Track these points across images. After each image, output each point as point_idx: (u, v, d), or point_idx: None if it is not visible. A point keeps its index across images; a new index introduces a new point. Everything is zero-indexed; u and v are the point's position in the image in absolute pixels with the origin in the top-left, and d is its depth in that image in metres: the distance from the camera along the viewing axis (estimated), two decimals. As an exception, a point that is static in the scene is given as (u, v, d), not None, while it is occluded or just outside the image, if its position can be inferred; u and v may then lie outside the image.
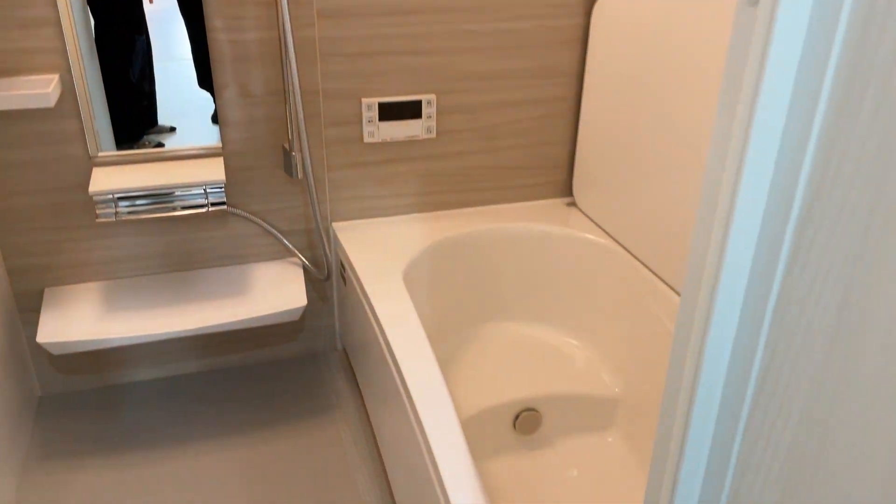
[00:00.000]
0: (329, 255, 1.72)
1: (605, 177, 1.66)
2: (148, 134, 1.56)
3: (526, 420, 1.58)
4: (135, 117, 1.53)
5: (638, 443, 1.54)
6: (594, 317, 1.72)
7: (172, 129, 1.57)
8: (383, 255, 1.62)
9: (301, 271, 1.71)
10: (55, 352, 1.44)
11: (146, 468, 1.55)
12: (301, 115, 1.48)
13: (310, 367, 1.88)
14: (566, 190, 1.88)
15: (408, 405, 1.23)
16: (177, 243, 1.67)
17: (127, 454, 1.59)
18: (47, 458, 1.57)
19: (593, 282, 1.71)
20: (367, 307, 1.50)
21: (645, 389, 1.53)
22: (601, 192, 1.69)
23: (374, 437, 1.65)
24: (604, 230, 1.70)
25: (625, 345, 1.62)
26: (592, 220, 1.75)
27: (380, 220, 1.78)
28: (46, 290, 1.60)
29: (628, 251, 1.60)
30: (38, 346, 1.70)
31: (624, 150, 1.56)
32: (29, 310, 1.64)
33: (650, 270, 1.52)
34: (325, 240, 1.67)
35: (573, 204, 1.85)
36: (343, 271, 1.71)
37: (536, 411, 1.59)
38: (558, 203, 1.86)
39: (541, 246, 1.76)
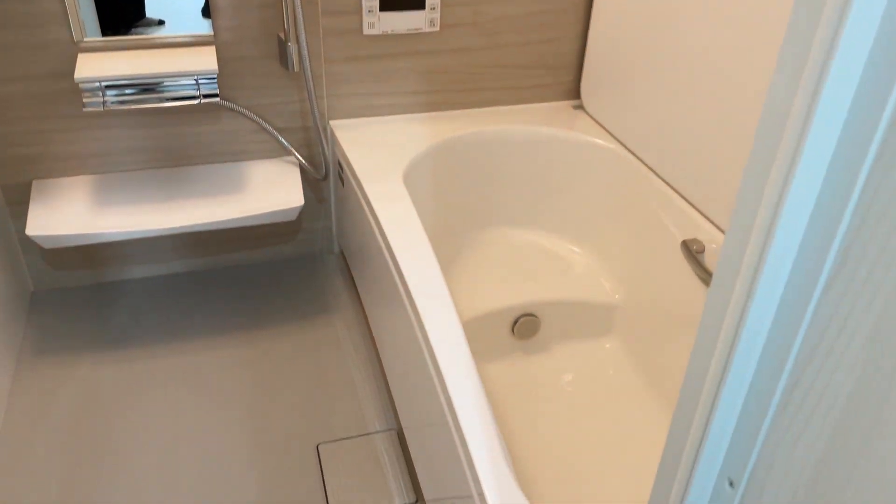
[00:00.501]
0: (327, 154, 1.66)
1: (616, 79, 1.59)
2: (136, 27, 1.46)
3: (524, 325, 1.57)
4: (120, 8, 1.44)
5: (635, 349, 1.54)
6: (597, 223, 1.69)
7: (161, 23, 1.48)
8: (383, 155, 1.57)
9: (298, 170, 1.66)
10: (45, 245, 1.40)
11: (141, 364, 1.55)
12: (297, 2, 1.39)
13: (306, 270, 1.85)
14: (573, 92, 1.81)
15: (409, 307, 1.21)
16: (169, 137, 1.60)
17: (122, 351, 1.58)
18: (41, 353, 1.56)
19: (598, 187, 1.67)
20: (366, 208, 1.46)
21: (645, 297, 1.52)
22: (611, 94, 1.62)
23: (372, 340, 1.65)
24: (612, 135, 1.64)
25: (627, 252, 1.60)
26: (600, 124, 1.69)
27: (379, 118, 1.71)
28: (34, 182, 1.55)
29: (637, 157, 1.55)
30: (29, 240, 1.66)
31: (638, 51, 1.49)
32: (17, 202, 1.59)
33: (659, 177, 1.48)
34: (322, 138, 1.61)
35: (580, 107, 1.79)
36: (341, 171, 1.66)
37: (535, 317, 1.58)
38: (565, 106, 1.80)
39: (545, 150, 1.70)
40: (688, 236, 1.35)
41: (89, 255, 1.72)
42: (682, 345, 1.40)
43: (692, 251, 1.29)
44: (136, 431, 1.40)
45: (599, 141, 1.64)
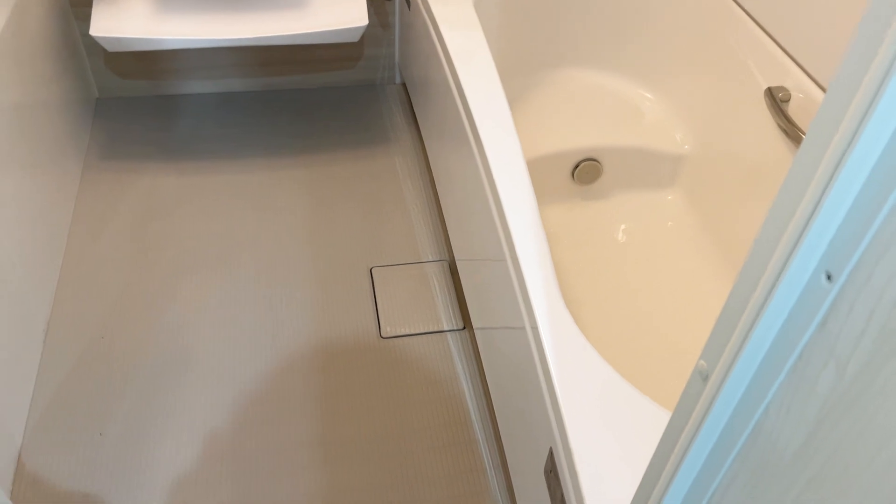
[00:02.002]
0: (395, -28, 1.57)
1: None
2: None
3: (585, 170, 1.53)
4: None
5: (699, 202, 1.50)
6: (674, 68, 1.59)
7: None
8: (454, -24, 1.47)
9: (363, -11, 1.57)
10: (109, 48, 1.39)
11: (200, 177, 1.58)
12: None
13: (367, 98, 1.82)
14: (666, -79, 1.65)
15: (472, 140, 1.18)
16: (231, -57, 1.52)
17: (182, 162, 1.60)
18: (106, 158, 1.60)
19: (680, 28, 1.55)
20: (433, 35, 1.39)
21: (717, 148, 1.45)
22: (709, -77, 1.47)
23: (429, 172, 1.63)
24: (704, -30, 1.51)
25: (704, 99, 1.51)
26: (692, -41, 1.55)
27: (453, -63, 1.59)
28: (96, -18, 1.51)
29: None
30: (93, 45, 1.64)
31: None
32: (81, 3, 1.56)
33: (750, 17, 1.36)
34: (391, -46, 1.51)
35: (672, -62, 1.63)
36: (408, -6, 1.57)
37: (597, 162, 1.53)
38: (655, -64, 1.64)
39: (628, -16, 1.58)
40: (774, 83, 1.26)
41: (152, 66, 1.70)
42: (751, 199, 1.35)
43: (777, 99, 1.21)
44: (195, 239, 1.45)
45: (689, -24, 1.50)
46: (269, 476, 1.12)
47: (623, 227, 1.51)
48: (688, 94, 1.57)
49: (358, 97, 1.81)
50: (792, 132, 1.18)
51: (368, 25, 1.70)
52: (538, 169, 1.51)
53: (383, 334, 1.32)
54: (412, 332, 1.32)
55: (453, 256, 1.45)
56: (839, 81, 0.32)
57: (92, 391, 1.20)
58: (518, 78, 1.68)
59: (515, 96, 1.64)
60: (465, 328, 1.34)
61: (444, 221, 1.50)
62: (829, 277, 0.33)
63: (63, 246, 1.41)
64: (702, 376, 0.43)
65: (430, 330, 1.33)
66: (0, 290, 1.10)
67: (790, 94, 1.21)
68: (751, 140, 1.34)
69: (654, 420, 0.81)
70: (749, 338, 0.40)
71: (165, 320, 1.31)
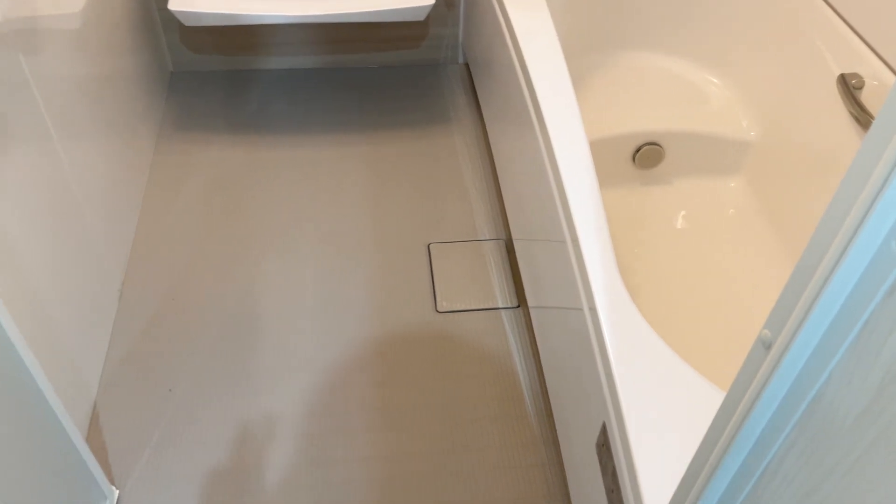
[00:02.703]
0: (462, -48, 1.58)
1: None
2: None
3: (647, 154, 1.52)
4: None
5: (763, 190, 1.47)
6: (743, 53, 1.57)
7: None
8: (522, -44, 1.47)
9: (431, -32, 1.59)
10: (186, 22, 1.44)
11: (267, 151, 1.62)
12: None
13: (429, 77, 1.84)
14: None
15: (535, 121, 1.19)
16: (304, -79, 1.56)
17: (251, 136, 1.65)
18: (179, 129, 1.66)
19: (750, 12, 1.52)
20: (499, 15, 1.40)
21: (785, 135, 1.43)
22: None
23: (489, 153, 1.65)
24: (778, -47, 1.47)
25: (773, 85, 1.48)
26: (767, -60, 1.51)
27: (522, -83, 1.59)
28: (175, -42, 1.56)
29: (803, -21, 1.39)
30: (169, 20, 1.70)
31: None
32: (158, -20, 1.62)
33: (827, 4, 1.33)
34: (460, -67, 1.52)
35: (746, -81, 1.59)
36: (475, -27, 1.58)
37: (659, 146, 1.52)
38: (729, -83, 1.61)
39: (699, -34, 1.55)
40: (847, 70, 1.23)
41: (224, 41, 1.76)
42: (818, 189, 1.33)
43: (850, 86, 1.19)
44: (262, 210, 1.50)
45: (763, -41, 1.47)
46: (328, 438, 1.16)
47: (683, 212, 1.50)
48: (756, 80, 1.54)
49: (421, 76, 1.84)
50: (864, 120, 1.15)
51: (434, 5, 1.72)
52: (598, 151, 1.51)
53: (439, 309, 1.34)
54: (467, 307, 1.35)
55: (510, 235, 1.46)
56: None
57: (162, 349, 1.26)
58: (582, 58, 1.68)
59: (579, 77, 1.64)
60: (519, 306, 1.36)
61: (503, 201, 1.51)
62: (900, 244, 0.33)
63: (137, 211, 1.47)
64: (764, 345, 0.44)
65: (486, 307, 1.35)
66: (79, 249, 1.16)
67: (864, 82, 1.18)
68: (821, 128, 1.31)
69: (708, 398, 0.81)
70: (815, 306, 0.40)
71: (232, 286, 1.36)
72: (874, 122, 0.35)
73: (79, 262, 1.15)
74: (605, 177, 1.54)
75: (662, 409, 0.80)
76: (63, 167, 1.11)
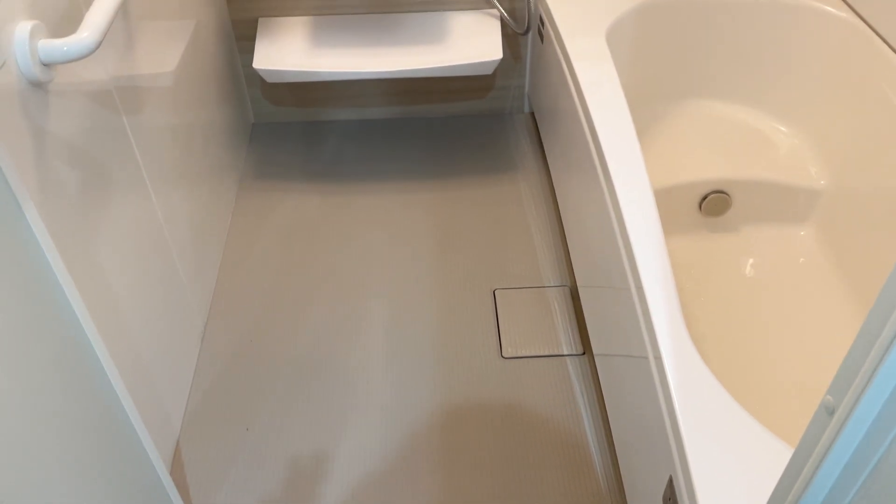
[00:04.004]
0: (531, 6, 1.64)
1: (865, -64, 1.40)
2: None
3: (713, 202, 1.52)
4: None
5: (834, 240, 1.45)
6: (811, 102, 1.56)
7: None
8: (587, 11, 1.52)
9: (498, 24, 1.65)
10: (268, 79, 1.54)
11: (341, 197, 1.70)
12: None
13: (496, 127, 1.89)
14: (808, -48, 1.62)
15: (600, 170, 1.22)
16: (379, -18, 1.65)
17: (325, 183, 1.73)
18: (259, 177, 1.75)
19: (819, 61, 1.52)
20: (564, 67, 1.45)
21: (856, 184, 1.41)
22: (855, -45, 1.44)
23: (554, 200, 1.68)
24: (845, 2, 1.47)
25: (842, 134, 1.47)
26: (835, -10, 1.52)
27: (587, -27, 1.64)
28: (260, 20, 1.67)
29: (873, 29, 1.39)
30: (251, 75, 1.82)
31: None
32: (243, 38, 1.73)
33: (894, 50, 1.32)
34: (527, -10, 1.58)
35: (814, -30, 1.60)
36: (541, 27, 1.64)
37: (726, 194, 1.52)
38: (795, -32, 1.62)
39: (764, 15, 1.57)
40: (921, 121, 1.22)
41: (302, 94, 1.86)
42: (890, 239, 1.30)
43: (924, 138, 1.17)
44: (335, 255, 1.57)
45: (829, 8, 1.48)
46: (393, 479, 1.19)
47: (751, 261, 1.49)
48: (824, 127, 1.54)
49: (487, 126, 1.89)
50: (939, 171, 1.14)
51: (501, 57, 1.78)
52: (665, 199, 1.52)
53: (505, 354, 1.37)
54: (533, 354, 1.37)
55: (575, 282, 1.48)
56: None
57: (240, 389, 1.33)
58: (648, 108, 1.70)
59: (645, 126, 1.66)
60: (584, 353, 1.37)
61: (567, 248, 1.54)
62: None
63: (220, 255, 1.56)
64: (828, 411, 0.46)
65: (551, 353, 1.36)
66: (168, 292, 1.24)
67: (938, 132, 1.17)
68: (891, 178, 1.29)
69: (775, 454, 0.81)
70: (877, 374, 0.42)
71: (307, 329, 1.42)
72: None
73: (167, 304, 1.23)
74: (672, 224, 1.55)
75: (729, 465, 0.80)
76: (156, 214, 1.19)
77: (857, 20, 1.43)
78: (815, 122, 1.57)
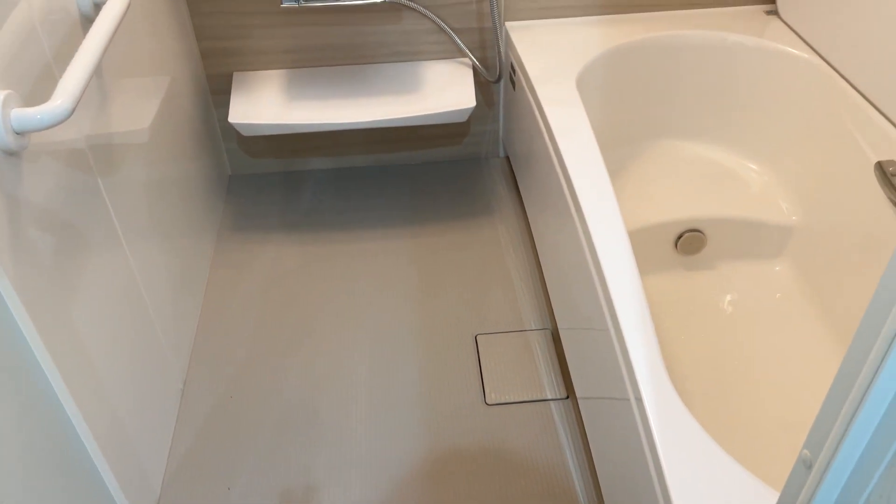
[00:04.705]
0: (502, 56, 1.67)
1: (821, -19, 1.45)
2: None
3: (689, 240, 1.54)
4: None
5: (808, 275, 1.47)
6: (780, 140, 1.60)
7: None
8: (557, 58, 1.55)
9: (471, 72, 1.68)
10: (244, 132, 1.54)
11: (320, 246, 1.70)
12: None
13: (472, 172, 1.91)
14: (768, -4, 1.68)
15: (575, 214, 1.23)
16: (354, 35, 1.68)
17: (306, 233, 1.73)
18: (237, 229, 1.75)
19: (786, 101, 1.56)
20: (536, 113, 1.47)
21: (827, 220, 1.44)
22: (812, -1, 1.49)
23: (532, 243, 1.69)
24: (807, 44, 1.52)
25: (811, 172, 1.50)
26: (795, 32, 1.57)
27: (555, 21, 1.68)
28: (235, 73, 1.69)
29: (834, 68, 1.43)
30: (228, 128, 1.83)
31: (851, -52, 1.35)
32: (219, 92, 1.74)
33: (857, 91, 1.36)
34: (498, 39, 1.61)
35: (774, 12, 1.66)
36: (513, 74, 1.67)
37: (701, 233, 1.54)
38: (756, 11, 1.67)
39: (729, 58, 1.61)
40: (884, 157, 1.25)
41: (279, 146, 1.87)
42: (863, 273, 1.33)
43: (887, 173, 1.20)
44: (315, 306, 1.56)
45: (792, 50, 1.52)
46: (380, 536, 1.17)
47: (729, 298, 1.51)
48: (794, 166, 1.57)
49: (464, 171, 1.91)
50: (904, 206, 1.17)
51: (475, 105, 1.81)
52: (641, 239, 1.54)
53: (488, 401, 1.36)
54: (516, 399, 1.36)
55: (556, 325, 1.49)
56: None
57: (222, 446, 1.30)
58: (621, 149, 1.73)
59: (619, 167, 1.69)
60: (568, 397, 1.37)
61: (547, 290, 1.54)
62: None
63: (198, 310, 1.55)
64: (805, 465, 0.46)
65: (534, 398, 1.36)
66: (145, 349, 1.23)
67: (902, 168, 1.20)
68: (861, 213, 1.32)
69: (758, 498, 0.81)
70: (851, 428, 0.42)
71: (288, 381, 1.41)
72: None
73: (145, 361, 1.22)
74: (649, 264, 1.57)
75: (715, 511, 0.80)
76: (132, 271, 1.18)
77: (820, 61, 1.47)
78: (784, 160, 1.60)
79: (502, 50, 1.71)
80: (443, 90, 1.63)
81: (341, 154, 1.90)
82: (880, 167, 1.22)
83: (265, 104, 1.59)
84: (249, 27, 1.64)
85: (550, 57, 1.56)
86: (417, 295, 1.58)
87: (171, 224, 1.40)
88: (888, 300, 0.39)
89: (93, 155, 1.07)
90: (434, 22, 1.67)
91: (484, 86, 1.81)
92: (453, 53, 1.73)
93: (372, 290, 1.59)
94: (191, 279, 1.52)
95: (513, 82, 1.68)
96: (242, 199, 1.84)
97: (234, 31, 1.64)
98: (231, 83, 1.69)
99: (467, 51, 1.71)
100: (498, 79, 1.70)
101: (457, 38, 1.69)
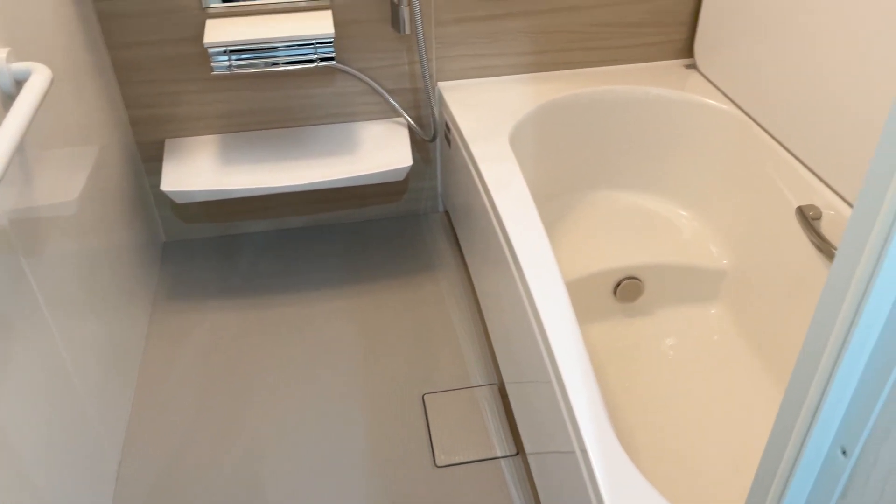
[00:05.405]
0: (435, 115, 1.70)
1: (734, 36, 1.53)
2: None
3: (627, 288, 1.57)
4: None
5: (742, 316, 1.51)
6: (707, 188, 1.66)
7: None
8: (490, 116, 1.59)
9: (406, 131, 1.70)
10: (177, 200, 1.52)
11: (260, 311, 1.66)
12: (411, -35, 1.42)
13: (412, 228, 1.91)
14: (686, 51, 1.76)
15: (513, 267, 1.25)
16: (288, 98, 1.68)
17: (244, 298, 1.70)
18: (173, 298, 1.70)
19: (710, 150, 1.63)
20: (472, 169, 1.49)
21: (755, 263, 1.49)
22: (727, 53, 1.57)
23: (475, 297, 1.69)
24: (726, 95, 1.60)
25: (737, 217, 1.56)
26: (714, 84, 1.64)
27: (488, 79, 1.73)
28: (167, 140, 1.67)
29: (752, 118, 1.50)
30: (161, 195, 1.79)
31: (758, 5, 1.43)
32: (151, 160, 1.72)
33: (775, 140, 1.43)
34: (431, 99, 1.64)
35: (693, 66, 1.74)
36: (448, 132, 1.70)
37: (638, 280, 1.58)
38: (676, 65, 1.75)
39: (655, 110, 1.67)
40: (804, 202, 1.31)
41: (214, 210, 1.84)
42: (793, 313, 1.37)
43: (808, 217, 1.26)
44: (257, 371, 1.52)
45: (712, 101, 1.59)
46: None
47: (669, 342, 1.53)
48: (722, 212, 1.63)
49: (404, 227, 1.91)
50: (825, 249, 1.21)
51: (413, 161, 1.82)
52: (580, 289, 1.56)
53: (438, 463, 1.34)
54: (466, 459, 1.34)
55: (502, 380, 1.48)
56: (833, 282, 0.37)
57: (159, 529, 1.24)
58: (557, 201, 1.76)
59: (556, 219, 1.72)
60: (518, 453, 1.35)
61: (492, 345, 1.54)
62: (843, 453, 0.36)
63: (133, 384, 1.49)
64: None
65: (484, 457, 1.34)
66: (75, 430, 1.17)
67: (821, 213, 1.26)
68: (787, 256, 1.37)
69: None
70: (790, 484, 0.43)
71: (230, 453, 1.36)
72: (797, 361, 0.39)
73: (75, 444, 1.16)
74: (590, 313, 1.59)
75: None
76: (59, 353, 1.14)
77: (738, 111, 1.54)
78: (712, 206, 1.66)
79: (436, 110, 1.74)
80: (379, 150, 1.64)
81: (279, 215, 1.89)
82: (801, 212, 1.27)
83: (198, 170, 1.57)
84: (180, 94, 1.63)
85: (483, 115, 1.59)
86: (362, 357, 1.56)
87: (102, 297, 1.36)
88: (820, 342, 0.40)
89: (15, 233, 1.03)
90: (368, 84, 1.69)
91: (421, 143, 1.83)
92: (388, 113, 1.75)
93: (315, 355, 1.56)
94: (124, 354, 1.46)
95: (448, 140, 1.71)
96: (178, 267, 1.80)
97: (165, 98, 1.63)
98: (163, 150, 1.67)
99: (402, 111, 1.73)
100: (433, 138, 1.73)
101: (391, 99, 1.72)
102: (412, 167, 1.86)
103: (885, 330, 0.40)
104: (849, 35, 1.18)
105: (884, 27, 1.11)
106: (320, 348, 1.57)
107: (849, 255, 0.43)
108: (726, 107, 1.57)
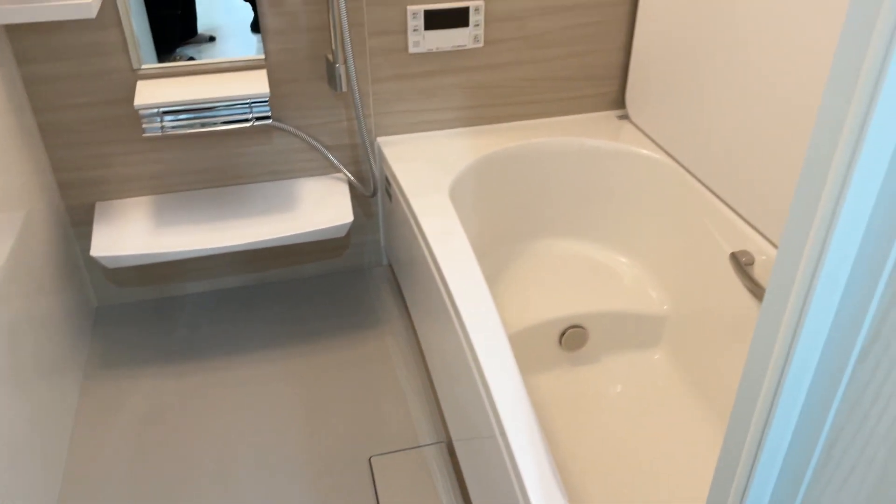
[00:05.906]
0: (374, 170, 1.70)
1: (662, 88, 1.58)
2: (187, 44, 1.53)
3: (572, 337, 1.58)
4: (173, 28, 1.50)
5: (684, 360, 1.53)
6: (644, 234, 1.69)
7: (212, 39, 1.54)
8: (429, 170, 1.59)
9: (346, 187, 1.70)
10: (109, 265, 1.47)
11: (200, 376, 1.61)
12: (345, 24, 1.43)
13: (356, 282, 1.89)
14: (618, 102, 1.81)
15: (455, 320, 1.23)
16: (223, 158, 1.66)
17: (181, 363, 1.64)
18: (106, 366, 1.63)
19: (645, 198, 1.66)
20: (413, 223, 1.49)
21: (694, 308, 1.51)
22: (657, 104, 1.62)
23: (421, 351, 1.67)
24: (658, 145, 1.64)
25: (675, 262, 1.59)
26: (646, 134, 1.69)
27: (425, 134, 1.74)
28: (97, 203, 1.62)
29: (684, 167, 1.55)
30: (92, 260, 1.73)
31: (684, 59, 1.48)
32: (81, 223, 1.66)
33: (707, 188, 1.47)
34: (370, 155, 1.64)
35: (625, 117, 1.79)
36: (388, 187, 1.69)
37: (583, 328, 1.58)
38: (609, 116, 1.80)
39: (590, 161, 1.71)
40: (737, 248, 1.34)
41: (149, 272, 1.79)
42: (732, 356, 1.39)
43: (741, 263, 1.28)
44: (196, 439, 1.46)
45: (645, 151, 1.63)
46: None
47: (614, 389, 1.53)
48: (659, 258, 1.65)
49: (348, 282, 1.89)
50: (758, 293, 1.24)
51: (354, 216, 1.81)
52: (525, 339, 1.55)
53: (385, 527, 1.29)
54: (414, 522, 1.30)
55: (450, 437, 1.45)
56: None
57: None
58: (499, 252, 1.77)
59: (498, 270, 1.72)
60: (467, 512, 1.32)
61: (439, 401, 1.52)
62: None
63: (63, 462, 1.41)
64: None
65: (433, 518, 1.30)
66: (-3, 520, 1.09)
67: (753, 258, 1.29)
68: (723, 300, 1.40)
69: None
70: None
71: (163, 532, 1.28)
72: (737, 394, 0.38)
73: (-7, 535, 1.08)
74: (536, 363, 1.58)
75: None
76: (-23, 434, 1.07)
77: (670, 160, 1.58)
78: (650, 253, 1.69)
79: (375, 165, 1.74)
80: (319, 207, 1.63)
81: (217, 276, 1.84)
82: (734, 257, 1.30)
83: (131, 233, 1.52)
84: (111, 156, 1.59)
85: (422, 169, 1.60)
86: (305, 420, 1.51)
87: (26, 371, 1.29)
88: (755, 384, 0.40)
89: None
90: (306, 140, 1.68)
91: (362, 198, 1.82)
92: (328, 170, 1.74)
93: (256, 420, 1.51)
94: (52, 430, 1.39)
95: (389, 194, 1.71)
96: (112, 332, 1.73)
97: (95, 160, 1.59)
98: (93, 213, 1.62)
99: (341, 167, 1.73)
100: (373, 193, 1.72)
101: (330, 155, 1.71)
102: (355, 221, 1.85)
103: (818, 370, 0.40)
104: (772, 86, 1.23)
105: (806, 78, 1.16)
106: (262, 411, 1.52)
107: (776, 299, 0.43)
108: (659, 156, 1.61)
